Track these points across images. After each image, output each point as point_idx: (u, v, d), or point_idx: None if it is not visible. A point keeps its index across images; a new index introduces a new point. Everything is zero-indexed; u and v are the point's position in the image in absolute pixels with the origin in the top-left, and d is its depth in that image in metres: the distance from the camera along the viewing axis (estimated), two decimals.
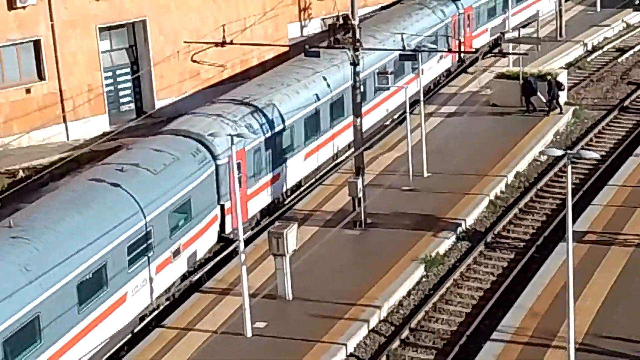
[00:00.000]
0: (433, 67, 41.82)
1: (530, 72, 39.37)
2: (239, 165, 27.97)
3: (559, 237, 27.95)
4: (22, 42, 37.26)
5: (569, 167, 21.73)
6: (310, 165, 32.80)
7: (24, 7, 36.72)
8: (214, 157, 27.74)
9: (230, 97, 31.26)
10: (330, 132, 33.78)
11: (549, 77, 38.31)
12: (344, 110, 34.19)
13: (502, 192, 32.50)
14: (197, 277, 26.99)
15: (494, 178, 32.91)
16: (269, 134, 30.10)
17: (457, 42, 39.94)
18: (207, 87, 41.06)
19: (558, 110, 38.33)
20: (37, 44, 37.58)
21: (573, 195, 27.19)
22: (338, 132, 34.34)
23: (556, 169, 33.76)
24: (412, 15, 41.46)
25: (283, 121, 30.80)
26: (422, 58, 32.66)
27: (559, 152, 22.30)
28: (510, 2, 47.50)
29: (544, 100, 38.14)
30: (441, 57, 41.48)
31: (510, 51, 40.01)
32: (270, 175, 30.32)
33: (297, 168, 31.88)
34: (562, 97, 39.42)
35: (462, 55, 42.65)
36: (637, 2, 54.48)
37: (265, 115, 30.20)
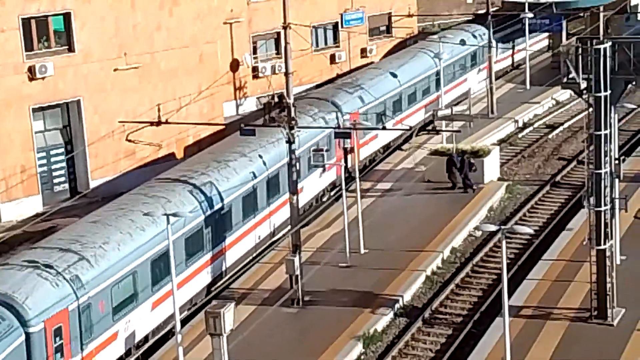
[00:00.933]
0: (314, 183, 37.54)
1: (461, 148, 39.79)
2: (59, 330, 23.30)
3: (495, 311, 28.10)
4: None
5: (504, 242, 22.01)
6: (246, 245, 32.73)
7: None
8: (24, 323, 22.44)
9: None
10: (267, 210, 33.80)
11: (465, 156, 38.67)
12: (279, 188, 34.28)
13: (438, 267, 32.67)
14: (133, 358, 26.52)
15: (431, 253, 33.10)
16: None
17: (342, 151, 38.47)
18: (142, 166, 40.89)
19: (470, 189, 38.54)
20: None
21: (508, 270, 27.47)
22: (275, 210, 34.36)
23: (491, 244, 34.07)
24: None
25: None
26: (302, 172, 33.09)
27: (494, 228, 22.60)
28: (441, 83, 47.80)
29: (463, 178, 38.58)
30: (324, 170, 37.34)
31: (444, 128, 40.61)
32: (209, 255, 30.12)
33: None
34: (492, 173, 39.95)
35: (348, 168, 38.32)
36: (564, 81, 55.79)
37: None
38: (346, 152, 36.21)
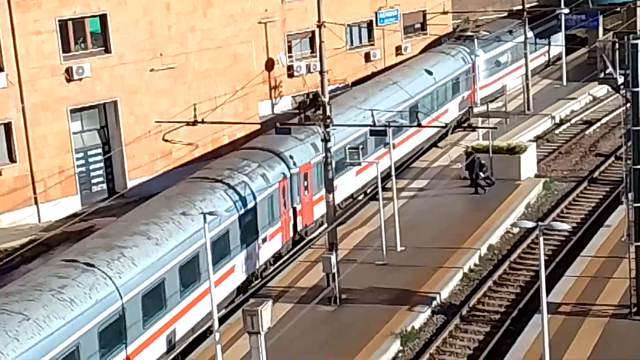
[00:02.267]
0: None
1: (471, 148, 39.46)
2: None
3: (533, 309, 27.94)
4: None
5: (541, 239, 21.88)
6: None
7: None
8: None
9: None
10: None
11: (474, 156, 38.37)
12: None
13: (475, 264, 32.55)
14: (171, 357, 26.67)
15: (467, 251, 32.98)
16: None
17: (289, 211, 33.10)
18: (178, 166, 41.12)
19: (474, 190, 38.25)
20: (7, 126, 37.60)
21: (546, 267, 27.27)
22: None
23: (528, 240, 33.88)
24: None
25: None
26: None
27: (531, 224, 22.50)
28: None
29: (482, 177, 38.29)
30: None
31: (480, 125, 40.44)
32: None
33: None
34: (529, 170, 39.72)
35: (297, 232, 33.73)
36: (601, 76, 55.36)
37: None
38: (295, 213, 33.10)
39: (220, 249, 28.26)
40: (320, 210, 34.36)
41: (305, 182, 33.93)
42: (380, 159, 35.25)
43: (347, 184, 37.28)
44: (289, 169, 33.12)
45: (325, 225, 31.16)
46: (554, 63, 58.98)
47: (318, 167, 33.93)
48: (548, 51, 59.26)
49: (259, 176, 31.40)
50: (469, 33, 51.73)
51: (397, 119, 36.51)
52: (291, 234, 33.17)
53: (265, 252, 31.64)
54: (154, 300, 25.37)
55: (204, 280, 26.88)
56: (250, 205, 30.18)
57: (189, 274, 26.92)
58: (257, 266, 31.13)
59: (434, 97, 44.91)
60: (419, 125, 32.34)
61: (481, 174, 38.21)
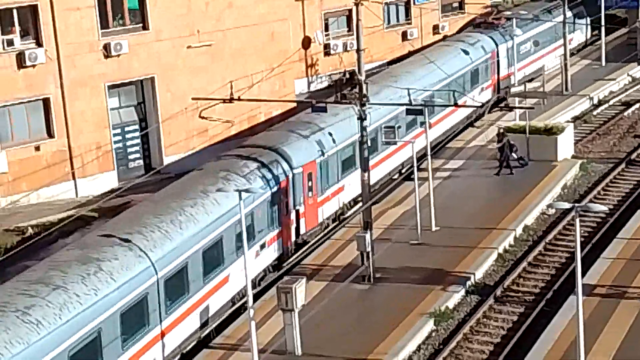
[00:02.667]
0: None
1: (502, 129, 39.05)
2: None
3: (568, 290, 27.85)
4: (31, 101, 37.57)
5: (577, 220, 21.75)
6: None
7: (33, 66, 37.09)
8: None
9: None
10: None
11: (504, 138, 38.08)
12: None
13: (510, 245, 32.44)
14: (205, 332, 26.89)
15: (502, 231, 32.87)
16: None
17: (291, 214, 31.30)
18: (214, 144, 41.28)
19: (509, 171, 38.05)
20: (46, 102, 37.89)
21: (582, 249, 27.19)
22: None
23: (564, 222, 33.71)
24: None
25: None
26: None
27: (567, 206, 22.34)
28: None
29: (515, 158, 38.03)
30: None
31: (517, 105, 40.19)
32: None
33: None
34: (566, 151, 39.45)
35: (299, 236, 31.94)
36: None
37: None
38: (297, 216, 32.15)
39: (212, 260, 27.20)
40: (328, 210, 33.57)
41: (310, 183, 32.17)
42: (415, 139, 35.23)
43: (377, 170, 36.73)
44: (292, 168, 31.35)
45: (361, 203, 31.20)
46: (582, 48, 58.35)
47: (323, 166, 32.92)
48: (586, 32, 58.82)
49: (257, 178, 29.73)
50: (490, 20, 50.19)
51: (433, 99, 36.38)
52: (293, 238, 31.60)
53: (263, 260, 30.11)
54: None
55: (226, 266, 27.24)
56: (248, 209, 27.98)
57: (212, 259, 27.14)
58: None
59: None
60: (456, 104, 32.20)
61: (513, 154, 37.99)
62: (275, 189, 30.27)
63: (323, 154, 32.99)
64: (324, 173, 33.07)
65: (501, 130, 38.81)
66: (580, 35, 57.67)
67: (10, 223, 35.24)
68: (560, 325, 26.01)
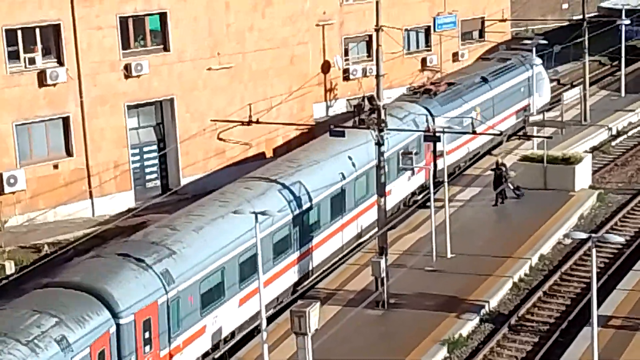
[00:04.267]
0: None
1: (498, 158, 38.92)
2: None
3: (583, 321, 27.68)
4: (51, 119, 37.82)
5: (594, 251, 21.67)
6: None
7: (54, 85, 37.37)
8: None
9: None
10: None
11: (501, 168, 37.77)
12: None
13: (526, 274, 32.32)
14: (219, 354, 26.87)
15: (518, 260, 32.76)
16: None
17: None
18: (232, 165, 41.39)
19: (501, 200, 37.86)
20: (66, 120, 38.14)
21: (598, 279, 27.01)
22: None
23: (581, 252, 33.55)
24: None
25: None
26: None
27: (584, 236, 22.29)
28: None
29: (512, 188, 37.99)
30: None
31: (535, 134, 40.14)
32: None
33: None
34: (583, 181, 39.21)
35: None
36: None
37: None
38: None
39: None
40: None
41: (147, 335, 23.78)
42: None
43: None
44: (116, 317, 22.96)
45: (376, 229, 31.16)
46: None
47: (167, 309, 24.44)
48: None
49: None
50: (427, 85, 42.74)
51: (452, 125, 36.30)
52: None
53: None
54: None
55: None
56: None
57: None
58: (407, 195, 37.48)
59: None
60: (473, 132, 32.19)
61: (509, 184, 37.90)
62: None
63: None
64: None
65: (498, 161, 38.75)
66: (538, 98, 47.27)
67: (27, 240, 35.39)
68: (575, 356, 25.86)
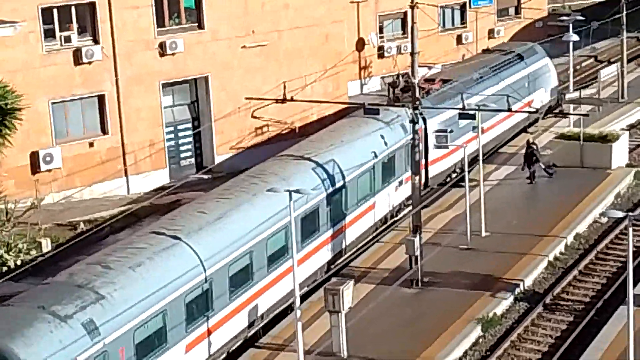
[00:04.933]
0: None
1: (530, 138, 38.41)
2: None
3: (619, 300, 27.49)
4: (87, 97, 38.03)
5: (630, 229, 21.48)
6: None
7: (89, 63, 37.54)
8: None
9: None
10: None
11: (532, 146, 37.44)
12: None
13: (561, 253, 32.13)
14: (253, 332, 26.99)
15: (554, 239, 32.56)
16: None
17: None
18: (266, 143, 41.42)
19: (535, 179, 37.55)
20: (101, 99, 38.33)
21: (634, 258, 26.80)
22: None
23: (617, 231, 33.30)
24: None
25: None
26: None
27: (620, 214, 22.09)
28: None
29: (542, 167, 37.67)
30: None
31: (571, 112, 39.82)
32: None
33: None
34: (620, 159, 38.84)
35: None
36: None
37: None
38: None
39: None
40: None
41: None
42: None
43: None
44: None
45: (410, 207, 31.09)
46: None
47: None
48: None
49: None
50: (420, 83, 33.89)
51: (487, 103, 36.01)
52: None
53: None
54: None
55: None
56: None
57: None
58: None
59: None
60: (509, 110, 31.98)
61: (540, 164, 37.62)
62: None
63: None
64: None
65: (529, 140, 38.44)
66: (543, 94, 44.23)
67: (63, 218, 35.70)
68: (610, 335, 25.69)
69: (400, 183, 34.04)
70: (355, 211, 31.63)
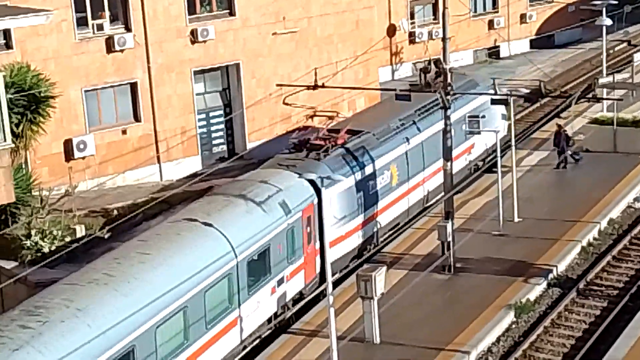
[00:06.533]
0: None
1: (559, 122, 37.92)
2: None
3: None
4: (119, 85, 38.21)
5: None
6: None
7: (122, 51, 37.69)
8: None
9: None
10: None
11: (561, 132, 37.18)
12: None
13: (595, 238, 31.95)
14: (286, 317, 27.08)
15: (587, 224, 32.39)
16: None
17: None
18: (297, 130, 41.40)
19: (562, 165, 37.34)
20: (133, 86, 38.48)
21: None
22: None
23: None
24: None
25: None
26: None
27: None
28: None
29: (570, 153, 37.40)
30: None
31: (604, 96, 39.53)
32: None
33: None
34: None
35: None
36: None
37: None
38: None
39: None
40: None
41: None
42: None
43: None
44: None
45: (443, 193, 31.01)
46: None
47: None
48: None
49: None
50: (315, 139, 30.20)
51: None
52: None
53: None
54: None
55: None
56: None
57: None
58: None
59: None
60: (541, 95, 31.78)
61: (568, 149, 37.37)
62: None
63: None
64: None
65: (560, 124, 38.19)
66: (487, 135, 34.89)
67: (96, 205, 35.93)
68: None
69: (281, 282, 26.43)
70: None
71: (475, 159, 36.82)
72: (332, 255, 25.87)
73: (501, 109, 36.05)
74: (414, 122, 33.31)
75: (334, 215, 28.45)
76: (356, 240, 29.96)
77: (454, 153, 30.88)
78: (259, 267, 25.25)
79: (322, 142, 29.76)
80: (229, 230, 24.62)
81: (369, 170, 30.33)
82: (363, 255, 29.14)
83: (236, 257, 24.33)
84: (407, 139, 32.28)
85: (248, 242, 24.83)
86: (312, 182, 26.97)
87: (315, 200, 27.18)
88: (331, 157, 29.21)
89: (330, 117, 31.35)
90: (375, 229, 30.98)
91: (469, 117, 33.70)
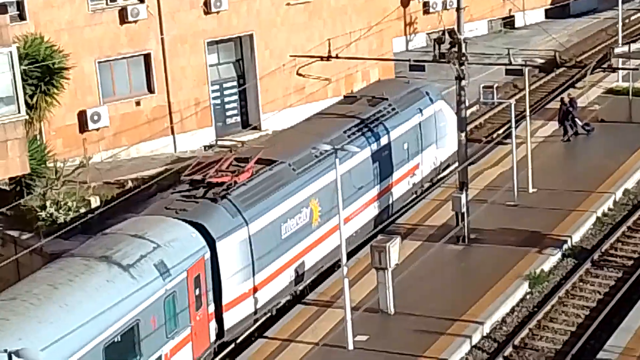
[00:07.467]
0: None
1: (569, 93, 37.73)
2: None
3: None
4: (132, 56, 38.16)
5: None
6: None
7: (135, 22, 37.62)
8: None
9: None
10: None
11: (571, 103, 36.90)
12: None
13: (609, 209, 31.87)
14: (301, 288, 27.16)
15: (602, 195, 32.29)
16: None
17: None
18: (311, 101, 41.32)
19: (566, 139, 37.16)
20: (147, 58, 38.42)
21: None
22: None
23: None
24: None
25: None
26: None
27: None
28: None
29: (580, 124, 37.18)
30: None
31: (620, 66, 39.26)
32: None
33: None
34: None
35: None
36: None
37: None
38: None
39: None
40: None
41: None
42: None
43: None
44: None
45: (457, 163, 30.93)
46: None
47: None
48: None
49: None
50: (210, 177, 24.99)
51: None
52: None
53: None
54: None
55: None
56: None
57: None
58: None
59: None
60: (556, 65, 31.59)
61: (578, 120, 37.16)
62: None
63: None
64: None
65: (570, 94, 37.94)
66: (436, 152, 33.14)
67: (111, 176, 36.01)
68: None
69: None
70: None
71: (421, 181, 32.00)
72: (230, 319, 23.06)
73: (453, 121, 31.57)
74: (348, 142, 27.63)
75: (234, 271, 23.40)
76: (267, 295, 24.88)
77: (395, 176, 28.29)
78: (122, 351, 20.19)
79: (223, 178, 24.48)
80: (74, 314, 19.27)
81: (281, 210, 25.10)
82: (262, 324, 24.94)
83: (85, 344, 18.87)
84: (333, 166, 23.54)
85: (103, 324, 19.60)
86: (204, 231, 22.80)
87: (208, 255, 22.69)
88: (233, 197, 24.10)
89: (232, 149, 26.08)
90: (290, 279, 25.77)
91: (484, 87, 33.54)
